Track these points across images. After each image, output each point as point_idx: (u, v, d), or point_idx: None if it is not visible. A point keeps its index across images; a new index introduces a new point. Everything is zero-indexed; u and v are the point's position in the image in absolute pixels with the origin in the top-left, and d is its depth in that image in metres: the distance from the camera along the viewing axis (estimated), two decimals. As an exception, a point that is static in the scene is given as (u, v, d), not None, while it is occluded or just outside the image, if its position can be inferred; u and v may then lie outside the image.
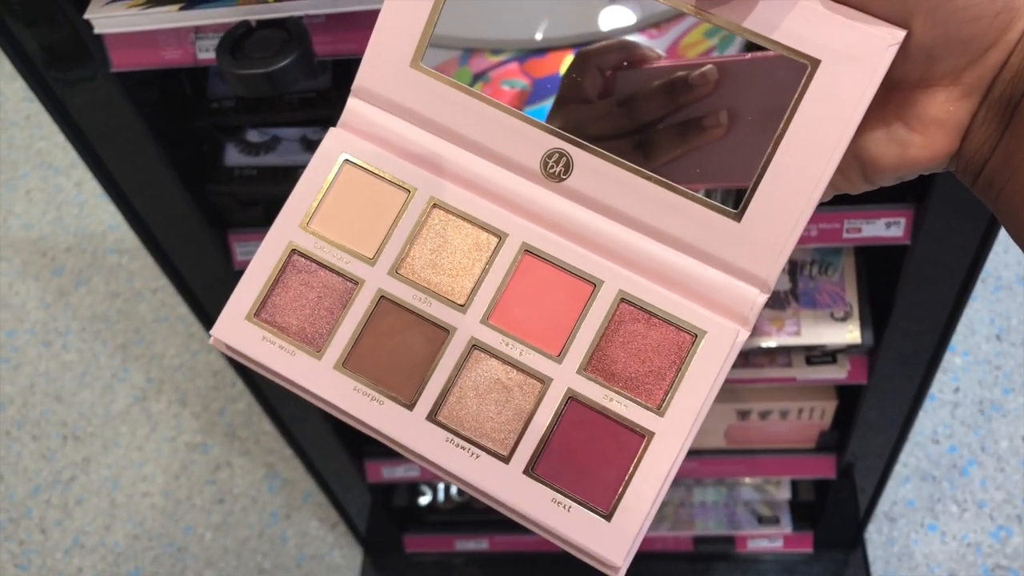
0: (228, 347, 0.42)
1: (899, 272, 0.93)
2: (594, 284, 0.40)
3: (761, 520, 1.47)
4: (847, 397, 1.20)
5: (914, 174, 0.37)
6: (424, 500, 1.55)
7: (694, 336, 0.39)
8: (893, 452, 1.21)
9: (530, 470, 0.38)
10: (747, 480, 1.44)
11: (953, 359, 1.67)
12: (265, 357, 0.42)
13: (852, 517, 1.41)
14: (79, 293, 1.93)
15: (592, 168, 0.40)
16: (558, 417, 0.39)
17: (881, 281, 1.01)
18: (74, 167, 2.07)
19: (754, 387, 1.20)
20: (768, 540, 1.49)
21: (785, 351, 1.09)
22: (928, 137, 0.35)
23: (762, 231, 0.38)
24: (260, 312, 0.42)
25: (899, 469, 1.58)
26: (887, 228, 0.88)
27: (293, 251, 0.43)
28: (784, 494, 1.45)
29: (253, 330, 0.42)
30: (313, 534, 1.65)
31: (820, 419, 1.24)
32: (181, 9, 0.71)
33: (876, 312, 1.03)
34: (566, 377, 0.39)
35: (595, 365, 0.39)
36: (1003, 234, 1.47)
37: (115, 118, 0.82)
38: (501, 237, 0.41)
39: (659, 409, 0.38)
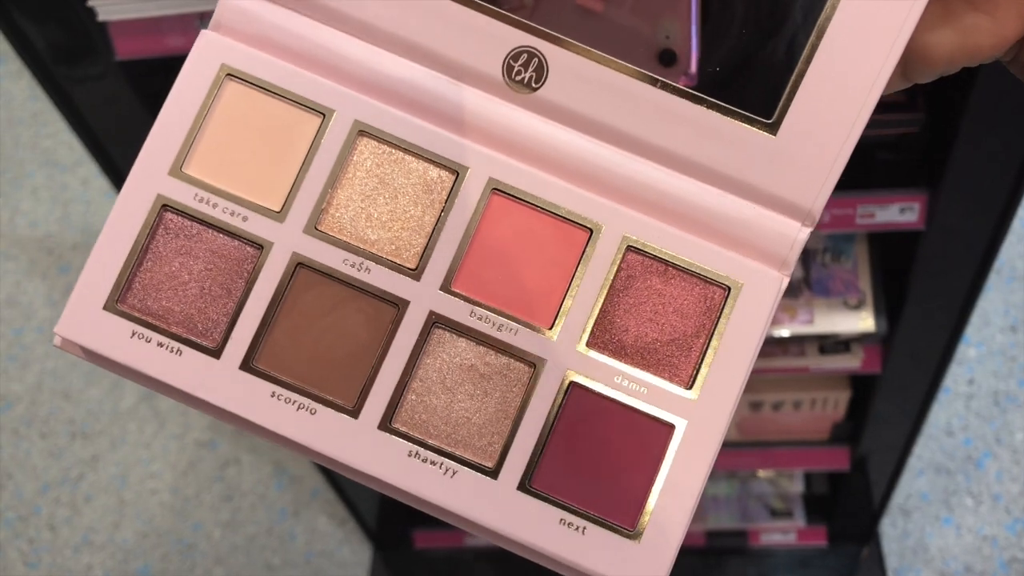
0: (83, 349, 0.32)
1: (913, 259, 0.94)
2: (590, 229, 0.34)
3: (774, 513, 1.49)
4: (861, 388, 1.22)
5: (964, 65, 0.34)
6: None
7: (726, 289, 0.34)
8: (907, 444, 1.23)
9: (527, 485, 0.33)
10: (760, 473, 1.47)
11: (967, 350, 1.69)
12: (139, 360, 0.33)
13: (866, 510, 1.43)
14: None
15: (573, 70, 0.34)
16: (557, 411, 0.34)
17: (895, 268, 1.02)
18: (80, 165, 2.11)
19: (766, 377, 1.21)
20: (781, 534, 1.50)
21: (798, 340, 1.10)
22: (997, 18, 0.33)
23: (804, 145, 0.33)
24: (124, 297, 0.34)
25: (913, 462, 1.60)
26: (901, 213, 0.88)
27: (164, 207, 0.34)
28: (797, 487, 1.47)
29: (116, 323, 0.34)
30: (322, 530, 1.67)
31: (833, 410, 1.25)
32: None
33: (890, 300, 1.04)
34: (563, 356, 0.34)
35: (600, 337, 0.34)
36: (1017, 224, 1.58)
37: (122, 112, 0.83)
38: (459, 172, 0.35)
39: (689, 388, 0.34)
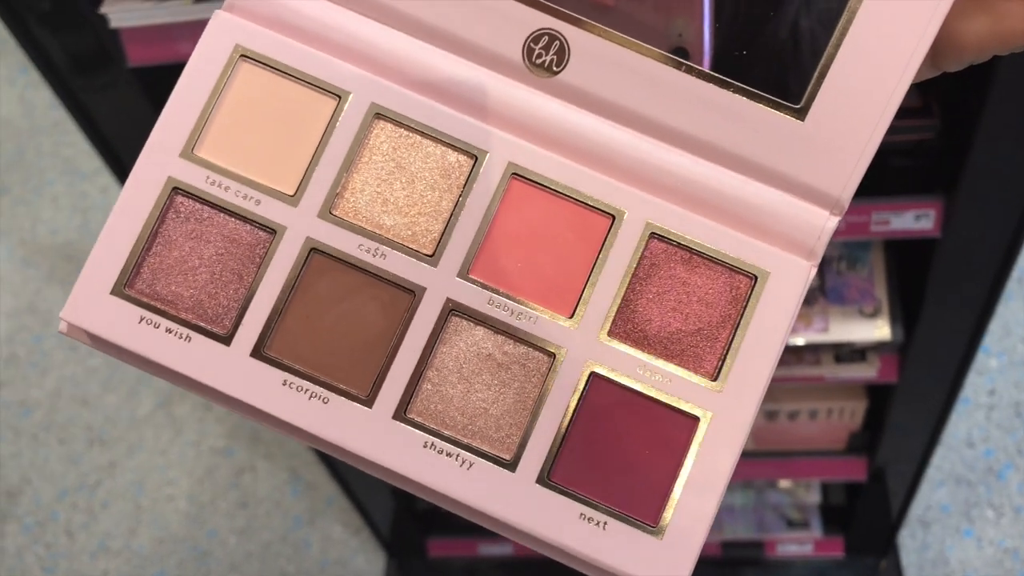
0: (89, 335, 0.31)
1: (929, 267, 0.93)
2: (612, 216, 0.33)
3: (791, 524, 1.48)
4: (877, 398, 1.21)
5: (996, 53, 0.33)
6: None
7: (752, 278, 0.33)
8: (925, 455, 1.22)
9: (546, 478, 0.32)
10: (776, 483, 1.45)
11: (988, 361, 1.67)
12: (146, 346, 0.32)
13: (884, 521, 1.42)
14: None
15: (595, 54, 0.33)
16: (578, 402, 0.33)
17: (911, 276, 1.02)
18: (99, 173, 2.13)
19: (782, 386, 1.21)
20: (798, 545, 1.49)
21: (813, 349, 1.10)
22: None
23: (833, 131, 0.32)
24: (132, 281, 0.33)
25: (933, 473, 1.59)
26: (916, 220, 0.88)
27: (175, 190, 0.33)
28: (814, 497, 1.46)
29: (124, 308, 0.33)
30: (336, 538, 1.68)
31: (850, 420, 1.24)
32: (195, 2, 0.74)
33: (906, 308, 1.04)
34: (584, 346, 0.33)
35: (622, 327, 0.33)
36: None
37: (135, 119, 0.83)
38: (478, 157, 0.34)
39: (714, 379, 0.33)
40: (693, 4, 0.33)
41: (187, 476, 1.73)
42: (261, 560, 1.65)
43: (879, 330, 1.02)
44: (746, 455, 1.27)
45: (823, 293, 1.05)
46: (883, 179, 0.88)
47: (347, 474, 1.35)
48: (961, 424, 1.62)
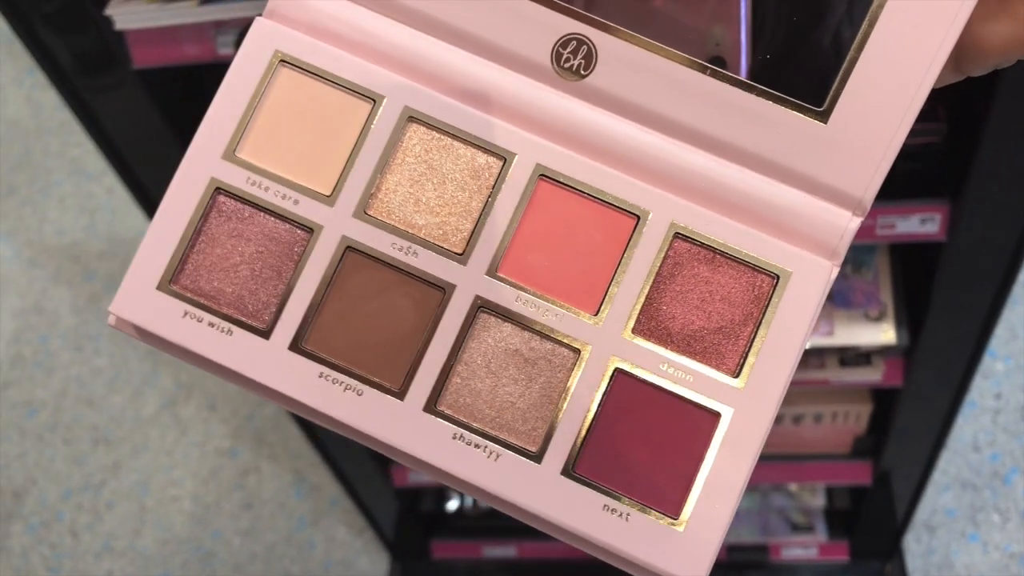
0: (136, 328, 0.32)
1: (935, 271, 0.93)
2: (637, 216, 0.34)
3: (795, 528, 1.47)
4: (882, 401, 1.21)
5: (1020, 58, 0.33)
6: (452, 505, 1.56)
7: (774, 278, 0.33)
8: (931, 459, 1.22)
9: (570, 470, 0.33)
10: (781, 487, 1.45)
11: (994, 364, 1.66)
12: (190, 339, 0.33)
13: (889, 525, 1.41)
14: (110, 299, 2.07)
15: (622, 58, 0.33)
16: (603, 397, 0.33)
17: (917, 280, 1.01)
18: (106, 174, 2.13)
19: (787, 390, 1.18)
20: (802, 548, 1.48)
21: (818, 352, 1.09)
22: None
23: (855, 133, 0.32)
24: (177, 277, 0.34)
25: (939, 477, 1.58)
26: (922, 224, 0.88)
27: (217, 190, 0.34)
28: (819, 501, 1.45)
29: (169, 303, 0.33)
30: (340, 540, 1.67)
31: (855, 423, 1.24)
32: (200, 4, 0.74)
33: (912, 312, 1.03)
34: (608, 342, 0.33)
35: (646, 324, 0.33)
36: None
37: (140, 120, 0.84)
38: (507, 159, 0.34)
39: (735, 376, 0.33)
40: (731, 10, 0.33)
41: (192, 477, 1.73)
42: (265, 561, 1.64)
43: (884, 334, 1.02)
44: None
45: (829, 297, 1.02)
46: (889, 183, 0.87)
47: (351, 476, 1.34)
48: (967, 428, 1.61)
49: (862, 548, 1.47)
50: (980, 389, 1.63)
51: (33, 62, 0.78)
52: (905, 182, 0.88)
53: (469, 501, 1.57)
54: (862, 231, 0.87)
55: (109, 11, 0.74)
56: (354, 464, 1.32)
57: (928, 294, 0.96)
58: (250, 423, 1.79)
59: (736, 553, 1.48)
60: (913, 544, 1.54)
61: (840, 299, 1.04)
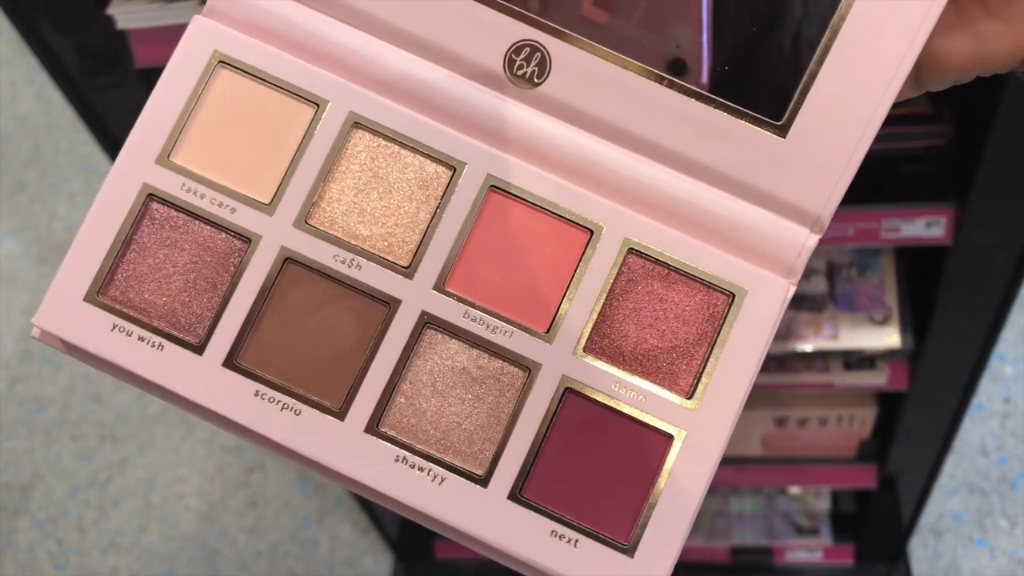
0: (62, 342, 0.31)
1: (940, 274, 0.92)
2: (590, 231, 0.33)
3: (800, 531, 1.45)
4: (888, 405, 1.20)
5: (978, 74, 0.33)
6: None
7: (729, 296, 0.33)
8: (936, 463, 1.21)
9: (517, 494, 0.32)
10: (786, 489, 1.44)
11: (1003, 368, 1.64)
12: (118, 354, 0.32)
13: (895, 529, 1.39)
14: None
15: (577, 66, 0.33)
16: (551, 418, 0.32)
17: (922, 284, 1.01)
18: (116, 171, 2.19)
19: (791, 393, 1.20)
20: (807, 551, 1.47)
21: (822, 355, 1.08)
22: (1014, 25, 0.32)
23: (814, 149, 0.32)
24: (106, 288, 0.33)
25: (946, 481, 1.57)
26: (927, 228, 0.87)
27: (150, 196, 0.33)
28: (824, 504, 1.45)
29: (96, 315, 0.32)
30: (345, 539, 1.67)
31: (860, 427, 1.23)
32: (201, 3, 0.72)
33: (917, 316, 1.03)
34: (559, 361, 0.33)
35: (598, 342, 0.33)
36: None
37: None
38: (456, 168, 0.33)
39: (689, 397, 0.32)
40: (690, 17, 0.32)
41: (198, 474, 1.73)
42: (270, 559, 1.64)
43: (889, 338, 1.02)
44: (756, 461, 1.29)
45: (833, 300, 1.04)
46: (894, 186, 0.87)
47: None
48: (975, 432, 1.60)
49: (867, 552, 1.47)
50: (989, 393, 1.63)
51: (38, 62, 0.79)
52: (910, 185, 0.87)
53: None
54: (867, 234, 0.88)
55: (111, 11, 0.74)
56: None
57: (933, 298, 0.95)
58: (256, 423, 1.82)
59: (740, 556, 1.48)
60: (919, 549, 1.53)
61: (845, 302, 1.04)
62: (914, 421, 1.13)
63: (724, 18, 0.32)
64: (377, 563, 1.62)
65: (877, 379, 1.07)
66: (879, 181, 0.88)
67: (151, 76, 0.80)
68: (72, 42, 0.79)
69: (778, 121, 0.32)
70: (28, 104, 2.22)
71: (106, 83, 0.81)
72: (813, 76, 0.31)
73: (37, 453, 1.78)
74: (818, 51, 0.31)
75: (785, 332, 1.02)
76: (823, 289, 1.04)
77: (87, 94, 0.81)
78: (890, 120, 0.32)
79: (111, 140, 0.85)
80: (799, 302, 1.03)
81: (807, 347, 1.03)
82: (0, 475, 1.77)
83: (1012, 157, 0.76)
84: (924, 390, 1.07)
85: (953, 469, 1.56)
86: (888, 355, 1.06)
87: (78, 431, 1.79)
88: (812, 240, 0.32)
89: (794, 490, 1.43)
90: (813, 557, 1.46)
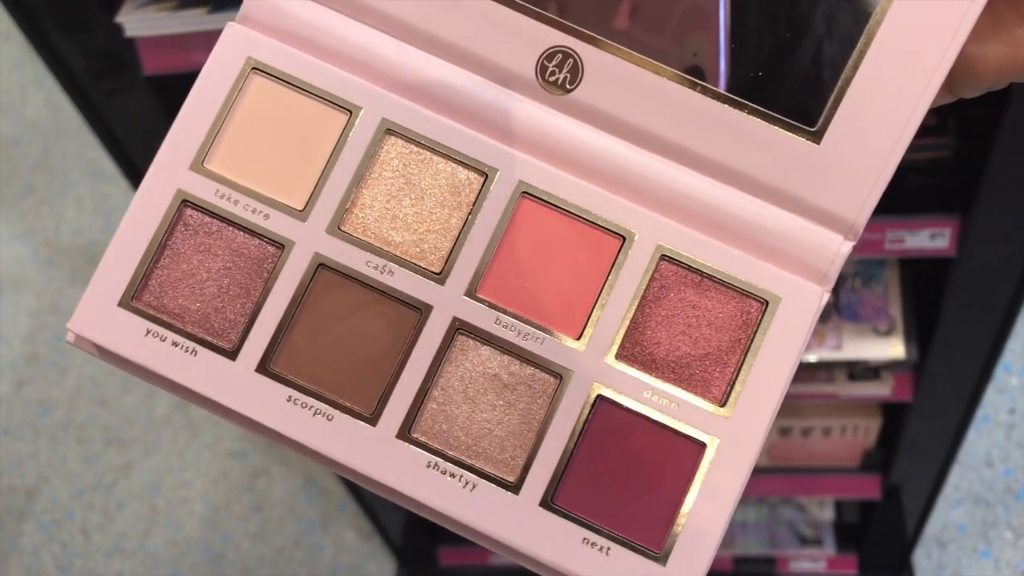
0: (96, 347, 0.31)
1: (944, 286, 0.93)
2: (623, 237, 0.33)
3: (804, 541, 1.46)
4: (892, 415, 1.20)
5: (1013, 80, 0.33)
6: None
7: (763, 303, 0.32)
8: (941, 473, 1.22)
9: (549, 501, 0.32)
10: (789, 499, 1.44)
11: (1009, 379, 1.65)
12: (152, 359, 0.32)
13: (899, 540, 1.40)
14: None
15: (609, 72, 0.32)
16: (584, 425, 0.32)
17: (926, 295, 1.01)
18: (123, 176, 2.12)
19: (795, 403, 1.21)
20: (811, 562, 1.47)
21: (826, 366, 1.09)
22: None
23: (848, 155, 0.32)
24: (140, 294, 0.32)
25: (951, 492, 1.58)
26: (931, 239, 0.87)
27: (184, 202, 0.33)
28: (828, 514, 1.45)
29: (131, 320, 0.32)
30: (349, 544, 1.68)
31: (864, 437, 1.24)
32: (210, 12, 0.74)
33: (921, 327, 1.03)
34: (591, 368, 0.32)
35: (630, 349, 0.32)
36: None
37: (149, 126, 0.85)
38: (488, 175, 0.33)
39: (722, 405, 0.32)
40: (709, 25, 0.32)
41: (202, 478, 1.73)
42: (274, 564, 1.65)
43: (893, 348, 1.02)
44: (760, 471, 1.28)
45: (837, 310, 1.04)
46: (899, 197, 0.86)
47: (359, 480, 1.37)
48: (980, 443, 1.60)
49: (871, 562, 1.47)
50: (994, 404, 1.63)
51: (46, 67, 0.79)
52: (915, 196, 0.87)
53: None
54: (871, 245, 0.89)
55: (120, 18, 0.74)
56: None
57: (938, 309, 0.95)
58: (261, 426, 1.82)
59: (744, 565, 1.47)
60: (924, 560, 1.53)
61: (849, 313, 1.04)
62: (918, 432, 1.13)
63: (758, 24, 0.32)
64: (380, 569, 1.62)
65: (881, 390, 1.07)
66: (884, 192, 0.88)
67: (159, 83, 0.81)
68: (80, 48, 0.79)
69: (812, 127, 0.31)
70: (37, 108, 2.23)
71: (114, 89, 0.82)
72: (848, 82, 0.31)
73: (42, 456, 1.79)
74: (853, 56, 0.31)
75: None
76: (827, 299, 1.05)
77: (95, 100, 0.81)
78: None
79: (118, 146, 0.85)
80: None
81: (811, 357, 1.04)
82: (5, 478, 1.77)
83: (1016, 169, 0.76)
84: (928, 401, 1.07)
85: (958, 480, 1.57)
86: (892, 366, 1.06)
87: (83, 434, 1.79)
88: (846, 247, 0.32)
89: (798, 500, 1.43)
90: (816, 567, 1.46)
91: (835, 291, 1.05)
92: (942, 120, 0.84)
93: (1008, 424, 1.60)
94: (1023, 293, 0.88)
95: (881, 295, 1.04)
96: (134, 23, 0.75)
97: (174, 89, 0.83)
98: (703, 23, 0.32)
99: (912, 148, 0.87)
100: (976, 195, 0.81)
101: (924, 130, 0.84)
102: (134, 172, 0.87)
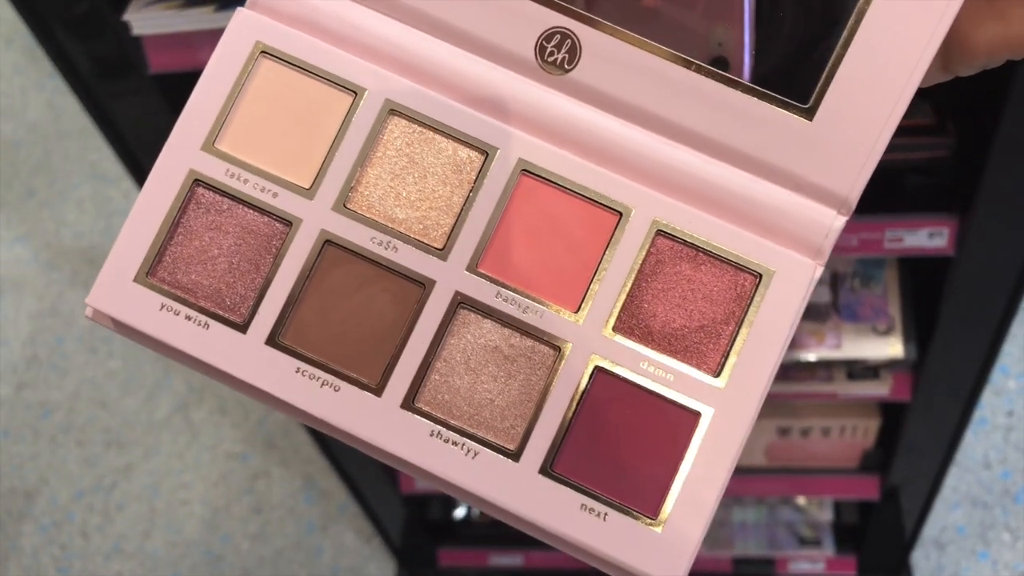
0: (113, 320, 0.32)
1: (943, 285, 0.93)
2: (619, 213, 0.33)
3: (803, 542, 1.46)
4: (891, 416, 1.21)
5: (1008, 58, 0.33)
6: (459, 513, 1.56)
7: (757, 277, 0.33)
8: (939, 474, 1.22)
9: (548, 468, 0.32)
10: (789, 500, 1.46)
11: (1007, 382, 1.65)
12: (166, 332, 0.32)
13: (898, 541, 1.40)
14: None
15: (606, 53, 0.33)
16: (582, 395, 0.32)
17: (926, 294, 1.02)
18: (123, 178, 2.14)
19: (794, 403, 1.21)
20: (810, 562, 1.47)
21: (826, 365, 1.10)
22: None
23: (841, 131, 0.32)
24: (155, 270, 0.33)
25: (949, 494, 1.59)
26: (930, 238, 0.88)
27: (196, 182, 0.34)
28: (827, 515, 1.46)
29: (146, 295, 0.33)
30: (349, 546, 1.68)
31: (863, 438, 1.24)
32: (216, 10, 0.74)
33: (921, 327, 1.03)
34: (588, 340, 0.33)
35: (627, 322, 0.33)
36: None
37: (155, 124, 0.85)
38: (489, 153, 0.34)
39: (716, 376, 0.32)
40: (734, 15, 0.33)
41: (202, 480, 1.73)
42: (273, 565, 1.65)
43: (892, 348, 1.02)
44: (759, 471, 1.28)
45: (836, 310, 1.04)
46: (897, 196, 0.87)
47: (360, 482, 1.35)
48: (978, 445, 1.61)
49: (870, 563, 1.47)
50: (992, 406, 1.63)
51: (53, 67, 0.79)
52: (914, 196, 0.87)
53: (476, 510, 1.56)
54: (870, 244, 0.88)
55: (127, 16, 0.74)
56: (362, 470, 1.33)
57: (937, 308, 0.95)
58: (261, 427, 1.80)
59: (743, 566, 1.48)
60: (922, 561, 1.53)
61: (848, 313, 1.04)
62: (917, 432, 1.13)
63: (754, 6, 0.33)
64: (380, 571, 1.62)
65: (880, 389, 1.08)
66: (883, 192, 0.87)
67: (165, 82, 0.81)
68: (86, 47, 0.79)
69: (805, 104, 0.32)
70: (38, 111, 2.23)
71: (120, 89, 0.82)
72: (839, 59, 0.31)
73: (42, 458, 1.80)
74: (844, 34, 0.31)
75: (789, 341, 1.03)
76: (827, 299, 1.05)
77: (101, 100, 0.81)
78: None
79: (124, 146, 0.85)
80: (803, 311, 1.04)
81: (810, 356, 1.04)
82: (5, 479, 1.77)
83: (1015, 168, 0.76)
84: (927, 400, 1.07)
85: (956, 482, 1.57)
86: (891, 365, 1.06)
87: (84, 436, 1.80)
88: (839, 221, 0.32)
89: (797, 500, 1.45)
90: (815, 568, 1.46)
91: (834, 291, 1.05)
92: (941, 120, 0.85)
93: (1006, 427, 1.61)
94: (1021, 293, 0.88)
95: (880, 295, 1.04)
96: (141, 21, 0.75)
97: (180, 88, 0.84)
98: (728, 23, 0.33)
99: (911, 148, 0.87)
100: (975, 195, 0.81)
101: (923, 129, 0.84)
102: (139, 172, 0.88)
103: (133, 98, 0.83)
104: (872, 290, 1.05)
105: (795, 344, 1.04)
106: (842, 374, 1.09)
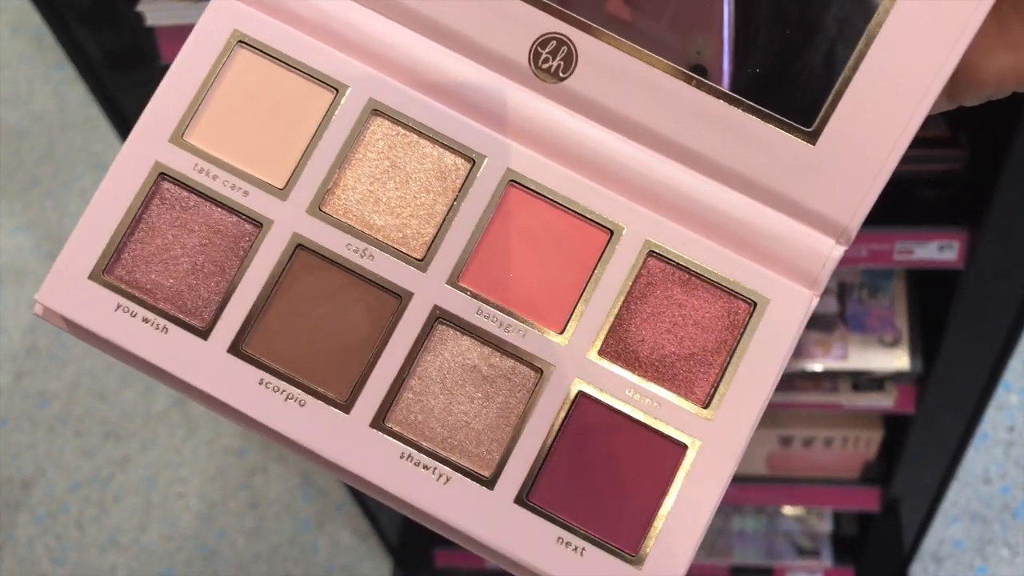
0: (65, 320, 0.30)
1: (951, 299, 0.93)
2: (611, 230, 0.32)
3: (801, 552, 1.46)
4: (894, 428, 1.21)
5: (1016, 90, 0.32)
6: None
7: (751, 304, 0.32)
8: (940, 488, 1.22)
9: (524, 498, 0.31)
10: (788, 510, 1.45)
11: (1009, 397, 1.65)
12: (121, 335, 0.31)
13: (896, 554, 1.39)
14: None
15: (603, 62, 0.32)
16: (563, 422, 0.31)
17: (933, 307, 1.02)
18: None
19: (798, 412, 1.21)
20: (808, 573, 1.47)
21: (831, 376, 1.10)
22: None
23: (844, 158, 0.31)
24: (112, 267, 0.32)
25: (948, 508, 1.59)
26: (940, 251, 0.88)
27: (161, 175, 0.32)
28: (826, 526, 1.45)
29: (101, 294, 0.31)
30: (344, 544, 1.69)
31: (865, 449, 1.24)
32: None
33: (927, 339, 1.04)
34: (573, 363, 0.32)
35: (613, 346, 0.32)
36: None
37: None
38: (475, 161, 0.33)
39: (705, 407, 0.31)
40: (709, 19, 0.31)
41: (199, 474, 1.74)
42: (268, 562, 1.65)
43: (898, 360, 1.02)
44: (759, 480, 1.28)
45: (843, 320, 1.04)
46: (908, 208, 0.87)
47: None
48: (978, 460, 1.61)
49: (868, 575, 1.47)
50: (993, 421, 1.63)
51: (62, 57, 0.82)
52: (925, 208, 0.88)
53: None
54: (879, 256, 0.88)
55: (141, 7, 0.75)
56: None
57: (944, 322, 0.95)
58: (260, 423, 1.83)
59: (740, 575, 1.48)
60: (920, 574, 1.53)
61: (855, 323, 1.04)
62: (919, 445, 1.13)
63: (756, 21, 0.31)
64: (376, 569, 1.62)
65: (885, 401, 1.07)
66: (893, 203, 0.88)
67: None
68: (99, 37, 0.80)
69: (808, 127, 0.31)
70: (44, 101, 2.24)
71: (131, 80, 0.82)
72: (846, 83, 0.30)
73: (40, 448, 1.79)
74: (853, 58, 0.30)
75: (795, 351, 1.03)
76: (834, 309, 1.05)
77: (111, 90, 0.81)
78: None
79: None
80: (809, 321, 1.04)
81: (816, 367, 1.04)
82: (3, 468, 1.78)
83: (1028, 183, 0.76)
84: (931, 414, 1.07)
85: (956, 496, 1.57)
86: (896, 377, 1.06)
87: (81, 427, 1.80)
88: (838, 251, 0.31)
89: (796, 510, 1.44)
90: (813, 579, 1.44)
91: (841, 301, 1.05)
92: (954, 133, 0.85)
93: (1007, 442, 1.61)
94: (1028, 307, 0.88)
95: (888, 306, 1.04)
96: (155, 12, 0.75)
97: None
98: (704, 17, 0.32)
99: (924, 160, 0.87)
100: (986, 208, 0.81)
101: (936, 142, 0.84)
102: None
103: (143, 89, 0.83)
104: (879, 301, 1.05)
105: (801, 354, 1.05)
106: (847, 385, 1.09)
